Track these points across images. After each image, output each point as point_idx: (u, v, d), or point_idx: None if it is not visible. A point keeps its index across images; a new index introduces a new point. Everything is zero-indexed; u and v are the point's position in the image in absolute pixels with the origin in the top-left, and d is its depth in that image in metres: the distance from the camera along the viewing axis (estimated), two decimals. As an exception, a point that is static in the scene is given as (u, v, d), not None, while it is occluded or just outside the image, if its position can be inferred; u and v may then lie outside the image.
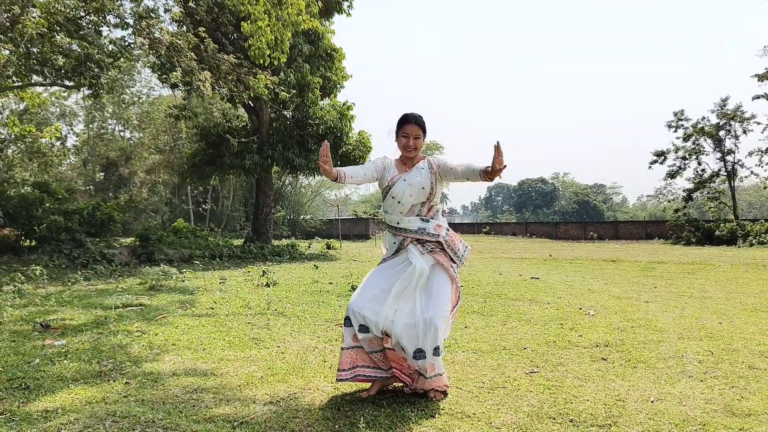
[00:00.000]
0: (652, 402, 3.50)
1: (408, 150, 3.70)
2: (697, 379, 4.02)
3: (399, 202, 3.67)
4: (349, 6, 20.24)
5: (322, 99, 21.11)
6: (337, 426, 3.10)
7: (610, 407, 3.41)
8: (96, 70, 12.89)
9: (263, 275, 10.82)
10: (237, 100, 16.86)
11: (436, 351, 3.42)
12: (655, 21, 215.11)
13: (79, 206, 16.31)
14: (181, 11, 15.36)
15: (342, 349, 3.60)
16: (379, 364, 3.64)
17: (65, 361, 4.44)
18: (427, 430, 3.06)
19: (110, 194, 42.21)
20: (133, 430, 3.02)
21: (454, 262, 3.72)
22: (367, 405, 3.44)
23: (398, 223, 3.69)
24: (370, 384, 3.67)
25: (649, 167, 39.00)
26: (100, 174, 45.14)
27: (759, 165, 34.24)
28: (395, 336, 3.45)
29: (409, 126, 3.67)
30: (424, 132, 3.71)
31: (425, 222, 3.67)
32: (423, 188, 3.66)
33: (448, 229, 3.74)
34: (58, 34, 12.22)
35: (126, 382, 3.90)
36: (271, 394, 3.67)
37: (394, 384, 3.78)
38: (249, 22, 11.20)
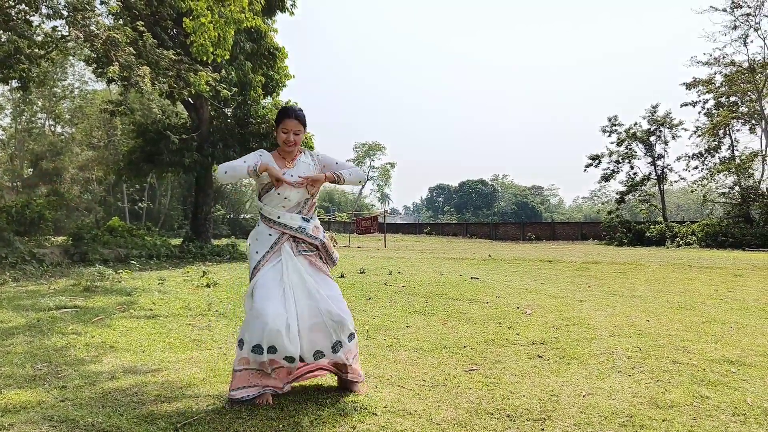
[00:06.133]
0: (583, 396, 3.68)
1: (288, 145, 3.69)
2: (625, 374, 4.24)
3: (285, 198, 3.61)
4: (292, 5, 20.11)
5: (264, 98, 20.94)
6: (281, 425, 3.13)
7: (545, 402, 3.56)
8: (26, 63, 12.38)
9: (203, 275, 10.66)
10: (177, 97, 16.49)
11: (351, 337, 3.64)
12: (591, 30, 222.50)
13: (6, 204, 15.62)
14: (118, 4, 14.95)
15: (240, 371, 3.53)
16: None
17: (-4, 366, 4.28)
18: (369, 427, 3.12)
19: (39, 191, 40.50)
20: (72, 434, 2.96)
21: (327, 264, 3.78)
22: (310, 404, 3.48)
23: (279, 218, 3.62)
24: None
25: (585, 170, 40.66)
26: (29, 170, 43.28)
27: (686, 169, 36.11)
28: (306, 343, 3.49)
29: (290, 121, 3.65)
30: (304, 126, 3.71)
31: (306, 221, 3.66)
32: None
33: (324, 232, 3.78)
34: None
35: (63, 386, 3.80)
36: (215, 395, 3.66)
37: (337, 383, 3.82)
38: (191, 18, 10.99)
